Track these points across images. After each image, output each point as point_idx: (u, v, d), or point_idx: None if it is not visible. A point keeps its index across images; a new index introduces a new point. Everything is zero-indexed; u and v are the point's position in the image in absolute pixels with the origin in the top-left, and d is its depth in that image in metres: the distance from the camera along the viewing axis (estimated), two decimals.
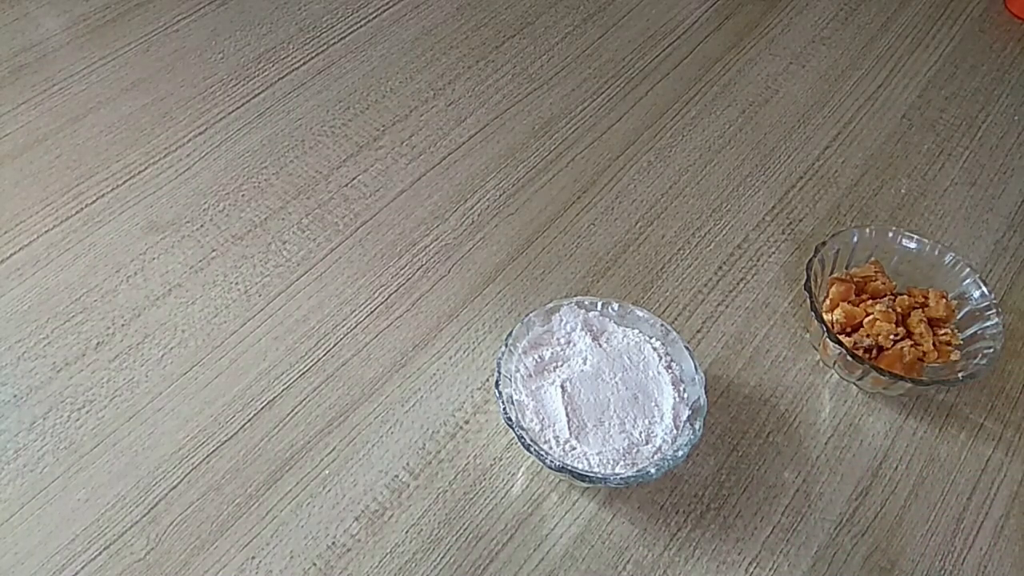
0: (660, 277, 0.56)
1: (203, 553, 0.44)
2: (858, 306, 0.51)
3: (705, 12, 0.74)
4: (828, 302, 0.52)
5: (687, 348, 0.47)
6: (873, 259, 0.54)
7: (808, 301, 0.50)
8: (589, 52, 0.70)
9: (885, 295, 0.52)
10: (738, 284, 0.56)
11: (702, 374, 0.46)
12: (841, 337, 0.50)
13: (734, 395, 0.51)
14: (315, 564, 0.44)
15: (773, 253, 0.58)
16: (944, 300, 0.51)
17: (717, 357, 0.53)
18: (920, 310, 0.51)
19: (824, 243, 0.52)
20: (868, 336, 0.50)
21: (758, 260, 0.58)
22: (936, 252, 0.53)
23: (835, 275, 0.53)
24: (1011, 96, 0.68)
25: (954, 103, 0.68)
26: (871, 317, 0.50)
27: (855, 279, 0.53)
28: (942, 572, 0.46)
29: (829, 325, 0.50)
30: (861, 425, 0.50)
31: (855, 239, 0.53)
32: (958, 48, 0.72)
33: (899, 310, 0.51)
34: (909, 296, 0.52)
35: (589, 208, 0.60)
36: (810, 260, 0.51)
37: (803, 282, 0.51)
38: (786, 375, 0.52)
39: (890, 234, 0.53)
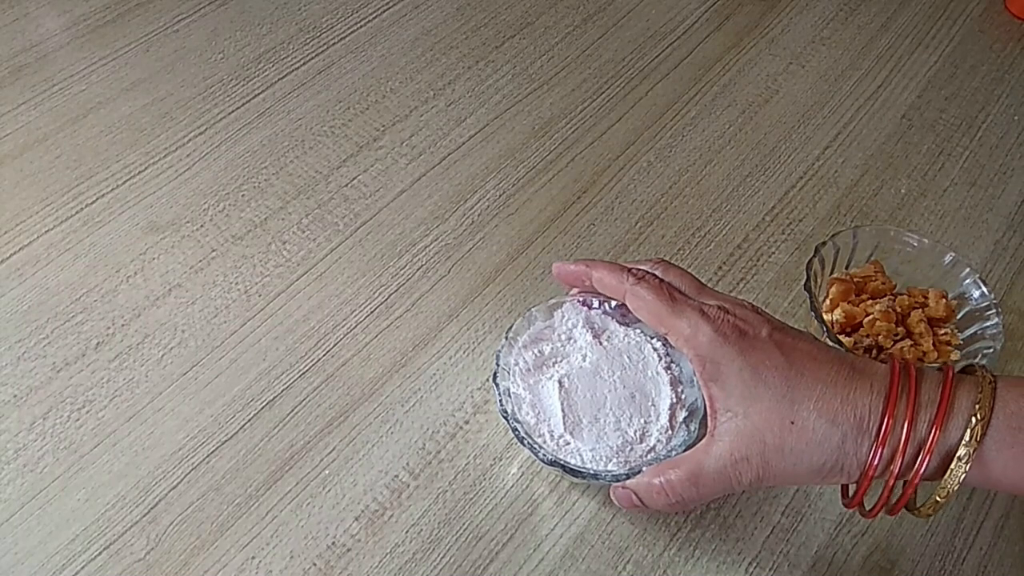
0: None
1: (203, 553, 0.44)
2: (858, 306, 0.51)
3: (705, 12, 0.74)
4: (828, 302, 0.52)
5: None
6: (873, 259, 0.54)
7: (808, 301, 0.50)
8: (589, 52, 0.70)
9: (885, 295, 0.52)
10: (738, 284, 0.56)
11: None
12: (841, 337, 0.50)
13: None
14: (315, 564, 0.44)
15: (773, 253, 0.58)
16: (944, 300, 0.51)
17: None
18: (920, 310, 0.51)
19: (824, 243, 0.52)
20: (868, 336, 0.50)
21: (758, 260, 0.58)
22: (936, 252, 0.53)
23: (835, 275, 0.53)
24: (1011, 96, 0.68)
25: (954, 103, 0.68)
26: (871, 317, 0.50)
27: (855, 279, 0.53)
28: (942, 572, 0.46)
29: (829, 325, 0.50)
30: None
31: (855, 239, 0.53)
32: (958, 48, 0.72)
33: (899, 310, 0.51)
34: (909, 296, 0.52)
35: (589, 208, 0.60)
36: (810, 260, 0.51)
37: (803, 282, 0.51)
38: None
39: (890, 234, 0.53)
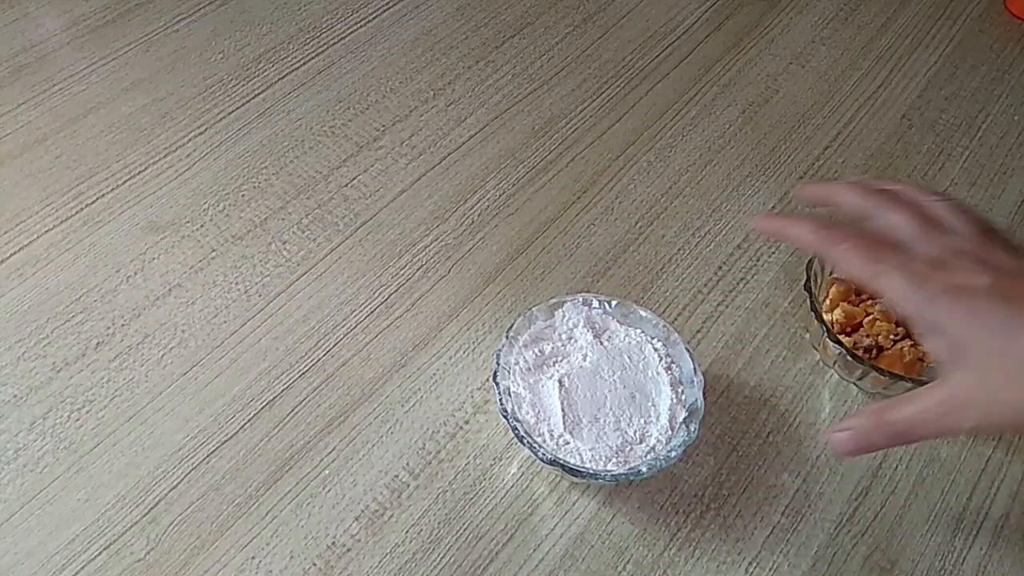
0: (660, 277, 0.56)
1: (203, 553, 0.44)
2: (858, 306, 0.51)
3: (705, 12, 0.74)
4: (828, 302, 0.52)
5: (688, 350, 0.47)
6: None
7: (808, 301, 0.50)
8: (589, 52, 0.70)
9: None
10: (738, 284, 0.56)
11: (701, 376, 0.46)
12: (841, 337, 0.50)
13: (734, 395, 0.51)
14: (315, 564, 0.44)
15: (773, 253, 0.58)
16: None
17: (717, 357, 0.53)
18: None
19: None
20: (868, 336, 0.50)
21: (758, 260, 0.58)
22: None
23: (835, 275, 0.53)
24: (1011, 96, 0.68)
25: (954, 103, 0.68)
26: (871, 317, 0.50)
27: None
28: (942, 572, 0.46)
29: (829, 325, 0.50)
30: None
31: None
32: (958, 48, 0.72)
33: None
34: None
35: (589, 208, 0.60)
36: (810, 260, 0.51)
37: (803, 282, 0.51)
38: (786, 375, 0.52)
39: None
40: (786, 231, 0.41)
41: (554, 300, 0.49)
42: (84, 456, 0.47)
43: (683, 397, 0.46)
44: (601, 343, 0.48)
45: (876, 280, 0.38)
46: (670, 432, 0.45)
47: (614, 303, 0.49)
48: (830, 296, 0.52)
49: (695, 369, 0.46)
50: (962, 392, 0.36)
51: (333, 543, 0.45)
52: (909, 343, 0.49)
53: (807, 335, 0.54)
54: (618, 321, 0.49)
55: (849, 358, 0.49)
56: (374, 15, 0.72)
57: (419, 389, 0.51)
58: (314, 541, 0.45)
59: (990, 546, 0.47)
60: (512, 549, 0.45)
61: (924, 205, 0.40)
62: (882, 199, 0.40)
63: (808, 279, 0.51)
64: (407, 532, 0.45)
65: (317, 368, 0.51)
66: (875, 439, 0.38)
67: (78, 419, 0.49)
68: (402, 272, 0.56)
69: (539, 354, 0.47)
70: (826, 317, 0.51)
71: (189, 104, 0.65)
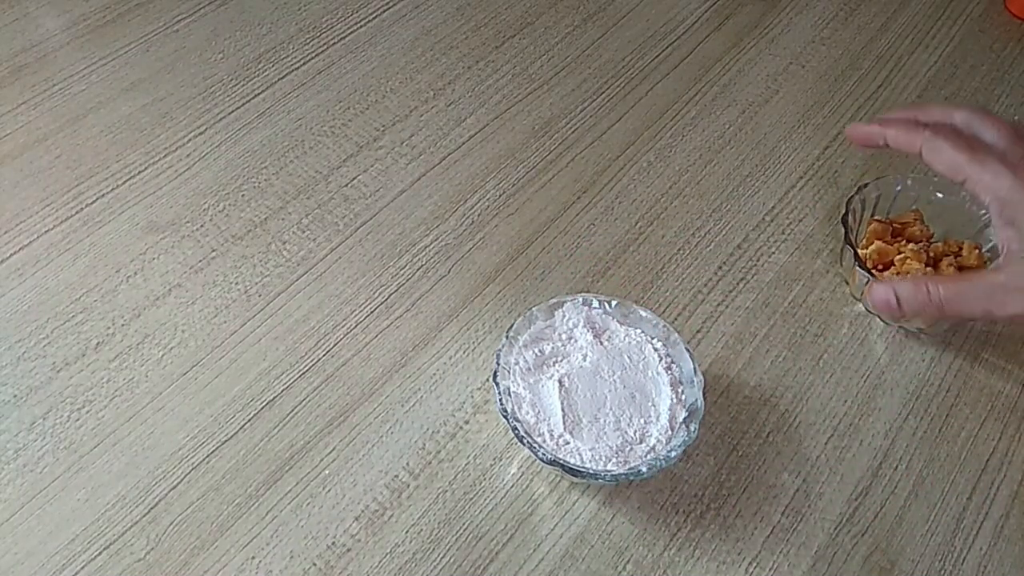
0: (660, 277, 0.56)
1: (203, 553, 0.44)
2: (892, 245, 0.53)
3: (705, 12, 0.74)
4: (864, 240, 0.54)
5: (688, 350, 0.47)
6: (915, 208, 0.55)
7: (843, 232, 0.52)
8: (589, 52, 0.70)
9: (921, 241, 0.53)
10: (738, 284, 0.56)
11: (701, 376, 0.46)
12: (872, 271, 0.52)
13: (734, 395, 0.51)
14: (315, 564, 0.44)
15: (773, 253, 0.58)
16: (977, 251, 0.52)
17: (717, 357, 0.53)
18: (952, 257, 0.52)
19: (867, 184, 0.54)
20: (898, 274, 0.52)
21: (758, 260, 0.58)
22: (975, 209, 0.54)
23: (876, 217, 0.55)
24: (1011, 96, 0.68)
25: (954, 103, 0.68)
26: (902, 256, 0.52)
27: (894, 223, 0.54)
28: (942, 572, 0.46)
29: (862, 259, 0.52)
30: (861, 425, 0.51)
31: (898, 187, 0.55)
32: (958, 48, 0.72)
33: (932, 254, 0.52)
34: (944, 244, 0.53)
35: (589, 208, 0.60)
36: (851, 197, 0.53)
37: (841, 215, 0.53)
38: (786, 375, 0.52)
39: (931, 187, 0.55)
40: (883, 134, 0.43)
41: (554, 300, 0.49)
42: (84, 456, 0.47)
43: (683, 397, 0.46)
44: (601, 343, 0.48)
45: (966, 166, 0.40)
46: (670, 432, 0.45)
47: (614, 303, 0.49)
48: (867, 235, 0.54)
49: (695, 369, 0.46)
50: (1016, 279, 0.38)
51: (333, 543, 0.45)
52: None
53: (840, 268, 0.56)
54: (618, 321, 0.49)
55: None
56: (374, 15, 0.72)
57: (419, 389, 0.51)
58: (314, 541, 0.45)
59: (990, 546, 0.47)
60: (512, 549, 0.45)
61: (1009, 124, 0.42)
62: (973, 114, 0.43)
63: (846, 212, 0.53)
64: (407, 532, 0.45)
65: (317, 368, 0.51)
66: (914, 303, 0.41)
67: (78, 419, 0.49)
68: (402, 272, 0.56)
69: (539, 354, 0.47)
70: (860, 252, 0.53)
71: (189, 104, 0.65)
